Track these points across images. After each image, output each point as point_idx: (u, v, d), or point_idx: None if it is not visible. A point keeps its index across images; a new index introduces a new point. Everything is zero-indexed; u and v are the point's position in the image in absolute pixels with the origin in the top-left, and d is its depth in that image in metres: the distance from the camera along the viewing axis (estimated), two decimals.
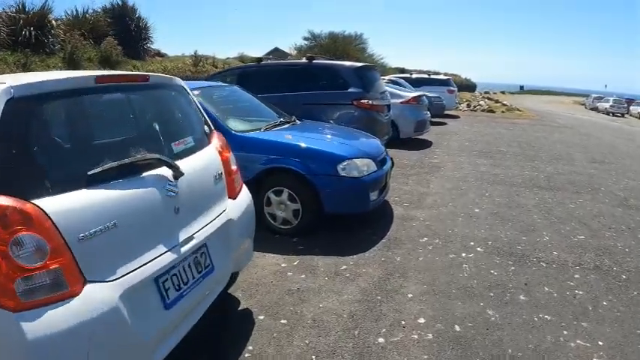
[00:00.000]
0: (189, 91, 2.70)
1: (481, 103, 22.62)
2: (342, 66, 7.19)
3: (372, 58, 33.42)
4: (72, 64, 12.83)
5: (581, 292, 3.28)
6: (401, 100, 9.66)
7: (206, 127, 2.73)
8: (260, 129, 4.56)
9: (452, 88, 21.83)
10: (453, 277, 3.45)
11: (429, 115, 10.83)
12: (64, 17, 15.30)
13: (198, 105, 2.78)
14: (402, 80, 16.74)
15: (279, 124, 4.93)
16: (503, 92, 50.09)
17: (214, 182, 2.49)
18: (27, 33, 12.23)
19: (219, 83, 6.47)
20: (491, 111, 21.09)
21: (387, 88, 9.85)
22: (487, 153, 9.29)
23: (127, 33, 16.46)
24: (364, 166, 4.15)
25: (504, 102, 24.16)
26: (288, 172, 4.15)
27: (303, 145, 4.21)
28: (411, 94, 10.22)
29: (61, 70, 11.80)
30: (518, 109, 22.31)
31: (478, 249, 4.03)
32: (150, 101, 2.50)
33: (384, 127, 7.48)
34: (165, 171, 2.07)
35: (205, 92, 4.65)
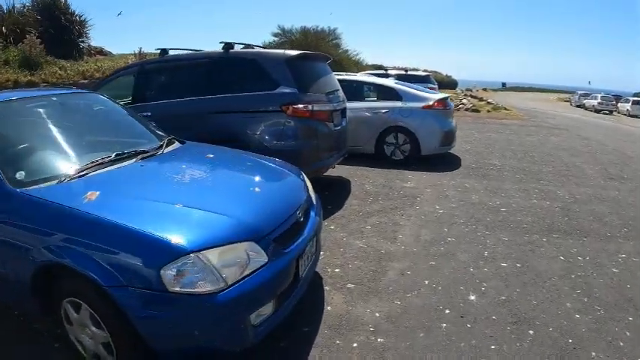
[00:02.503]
0: None
1: (464, 101, 20.63)
2: (268, 56, 4.97)
3: (346, 55, 31.25)
4: None
5: None
6: (423, 104, 7.28)
7: None
8: (67, 176, 2.35)
9: (432, 86, 19.71)
10: None
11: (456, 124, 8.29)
12: None
13: None
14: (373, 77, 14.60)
15: (125, 158, 2.71)
16: (485, 89, 48.46)
17: None
18: None
19: (55, 91, 4.20)
20: (476, 110, 19.10)
21: (396, 86, 7.72)
22: (478, 169, 7.16)
23: (57, 30, 13.97)
24: (232, 263, 1.93)
25: (489, 100, 22.27)
26: (73, 276, 1.94)
27: (104, 216, 1.96)
28: (435, 95, 7.79)
29: None
30: (505, 108, 20.37)
31: None
32: None
33: (335, 141, 5.28)
34: None
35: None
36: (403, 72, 20.07)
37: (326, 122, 4.95)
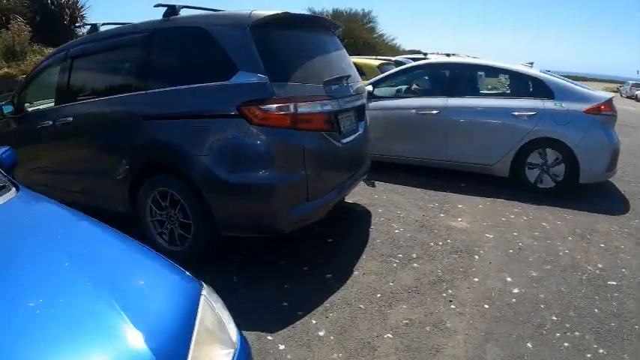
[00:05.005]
0: None
1: None
2: (222, 21, 2.97)
3: (382, 39, 28.86)
4: None
5: None
6: (585, 107, 4.71)
7: None
8: None
9: (479, 73, 17.23)
10: None
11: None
12: None
13: None
14: (410, 61, 12.38)
15: None
16: None
17: None
18: None
19: None
20: None
21: (544, 76, 5.05)
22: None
23: (46, 15, 12.54)
24: None
25: None
26: None
27: None
28: (598, 94, 5.23)
29: None
30: None
31: None
32: None
33: (345, 162, 3.36)
34: None
35: None
36: (444, 57, 17.66)
37: (325, 132, 2.97)
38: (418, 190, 4.92)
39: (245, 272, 3.03)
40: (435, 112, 5.16)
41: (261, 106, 2.58)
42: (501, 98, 5.36)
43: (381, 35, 29.49)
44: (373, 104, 5.23)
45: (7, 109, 4.14)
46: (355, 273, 3.03)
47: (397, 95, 5.81)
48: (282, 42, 2.87)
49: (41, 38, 11.59)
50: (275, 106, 2.59)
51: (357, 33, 25.14)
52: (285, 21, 2.98)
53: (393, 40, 31.12)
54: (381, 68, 9.14)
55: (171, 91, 2.95)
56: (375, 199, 4.55)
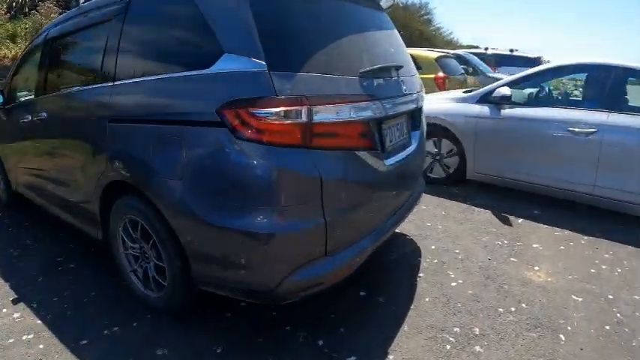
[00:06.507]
0: None
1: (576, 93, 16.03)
2: None
3: (439, 33, 27.20)
4: None
5: None
6: None
7: None
8: None
9: None
10: None
11: None
12: None
13: None
14: (472, 56, 11.09)
15: None
16: None
17: None
18: None
19: None
20: None
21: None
22: None
23: None
24: None
25: None
26: None
27: None
28: None
29: None
30: None
31: None
32: None
33: (384, 197, 2.36)
34: None
35: None
36: (508, 52, 16.03)
37: (360, 151, 2.00)
38: (482, 215, 3.87)
39: (234, 338, 2.15)
40: (590, 129, 3.74)
41: (253, 110, 1.65)
42: None
43: (438, 29, 27.78)
44: (507, 112, 4.17)
45: None
46: (391, 358, 2.06)
47: (529, 102, 4.32)
48: (295, 11, 1.90)
49: None
50: (276, 110, 1.66)
51: (413, 25, 23.68)
52: None
53: (450, 34, 29.32)
54: (439, 61, 7.95)
55: (140, 84, 2.09)
56: (427, 229, 3.54)
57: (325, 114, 1.78)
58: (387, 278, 2.77)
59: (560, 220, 3.79)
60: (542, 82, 4.54)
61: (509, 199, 4.26)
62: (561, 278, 2.89)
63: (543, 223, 3.75)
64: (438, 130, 4.50)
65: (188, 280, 2.08)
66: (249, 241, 1.74)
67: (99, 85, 2.32)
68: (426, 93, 3.33)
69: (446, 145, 4.56)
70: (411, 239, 3.34)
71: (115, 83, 2.22)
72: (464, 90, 5.09)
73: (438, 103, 4.63)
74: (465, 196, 4.31)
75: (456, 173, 4.56)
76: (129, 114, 2.15)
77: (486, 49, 16.73)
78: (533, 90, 4.44)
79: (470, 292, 2.66)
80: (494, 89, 4.25)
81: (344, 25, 2.17)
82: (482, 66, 10.55)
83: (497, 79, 5.40)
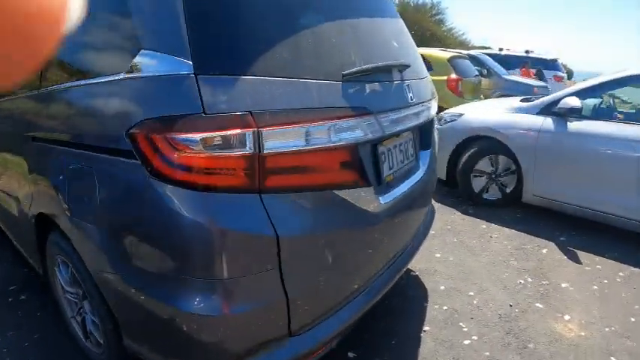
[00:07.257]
0: None
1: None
2: None
3: (451, 33, 26.51)
4: None
5: None
6: None
7: None
8: None
9: (560, 74, 14.72)
10: None
11: None
12: None
13: None
14: (486, 57, 10.46)
15: None
16: None
17: None
18: None
19: None
20: None
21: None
22: None
23: None
24: None
25: None
26: None
27: None
28: None
29: None
30: None
31: None
32: None
33: (379, 244, 1.77)
34: None
35: None
36: (523, 53, 15.33)
37: (342, 190, 1.44)
38: (500, 243, 3.31)
39: None
40: None
41: (170, 135, 1.10)
42: None
43: (450, 29, 27.09)
44: (575, 126, 3.49)
45: None
46: None
47: (599, 115, 3.69)
48: None
49: None
50: (203, 135, 1.10)
51: (425, 25, 23.05)
52: None
53: (463, 34, 28.61)
54: (452, 62, 7.33)
55: (60, 92, 1.57)
56: (437, 262, 2.98)
57: (283, 140, 1.21)
58: (383, 333, 2.22)
59: (591, 249, 3.22)
60: (611, 91, 3.89)
61: (528, 219, 3.69)
62: (596, 330, 2.33)
63: (571, 255, 3.18)
64: (494, 144, 3.87)
65: (121, 344, 1.56)
66: (181, 319, 1.21)
67: (27, 93, 1.80)
68: (437, 97, 2.76)
69: (502, 161, 3.94)
70: (416, 276, 2.79)
71: (40, 91, 1.70)
72: (521, 98, 4.42)
73: (492, 114, 4.00)
74: (478, 215, 3.74)
75: (512, 194, 3.94)
76: (45, 130, 1.64)
77: (500, 49, 16.10)
78: (596, 101, 3.80)
79: (487, 353, 2.10)
80: (560, 99, 3.58)
81: (322, 6, 1.59)
82: (497, 67, 9.92)
83: (521, 83, 4.77)
